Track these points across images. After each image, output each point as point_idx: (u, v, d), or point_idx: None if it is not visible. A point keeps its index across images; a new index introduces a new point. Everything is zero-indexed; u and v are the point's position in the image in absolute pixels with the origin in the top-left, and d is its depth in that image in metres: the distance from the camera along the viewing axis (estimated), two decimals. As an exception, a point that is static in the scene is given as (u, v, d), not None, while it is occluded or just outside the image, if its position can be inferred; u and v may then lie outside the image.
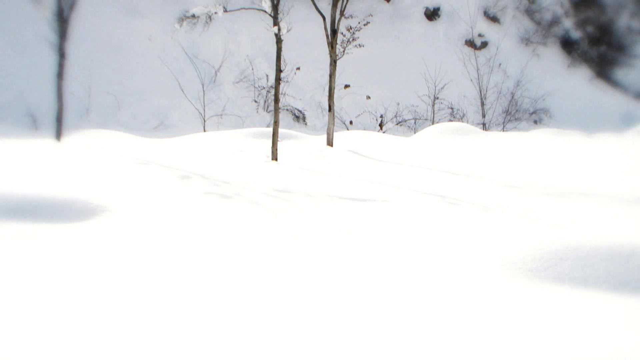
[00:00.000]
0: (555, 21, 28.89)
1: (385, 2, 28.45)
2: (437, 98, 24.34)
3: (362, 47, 18.43)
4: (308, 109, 24.53)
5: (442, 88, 24.26)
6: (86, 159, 9.12)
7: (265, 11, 12.62)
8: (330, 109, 14.83)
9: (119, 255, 5.03)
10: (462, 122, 22.85)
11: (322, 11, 14.40)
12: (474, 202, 8.20)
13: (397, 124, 24.35)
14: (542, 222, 7.01)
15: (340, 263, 5.09)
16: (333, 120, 14.80)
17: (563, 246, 4.90)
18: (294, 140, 15.26)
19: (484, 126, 24.31)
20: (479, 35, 27.78)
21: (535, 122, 25.67)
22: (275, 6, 12.39)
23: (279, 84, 12.59)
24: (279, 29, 12.36)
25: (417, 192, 8.81)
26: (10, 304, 3.83)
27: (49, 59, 12.38)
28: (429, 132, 17.12)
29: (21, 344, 3.28)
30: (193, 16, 13.33)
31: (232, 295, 4.22)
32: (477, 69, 25.38)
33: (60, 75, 11.37)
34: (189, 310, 3.88)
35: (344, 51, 15.55)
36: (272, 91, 18.75)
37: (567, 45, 28.69)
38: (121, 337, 3.43)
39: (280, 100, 14.74)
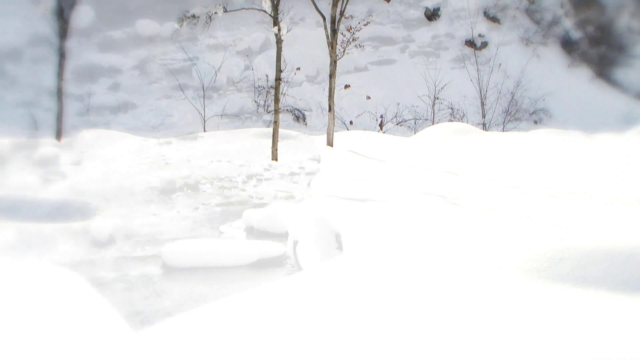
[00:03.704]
0: (555, 21, 28.90)
1: (385, 2, 28.46)
2: (437, 98, 24.34)
3: (362, 47, 18.42)
4: (308, 109, 24.53)
5: (442, 88, 24.25)
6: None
7: (265, 11, 12.63)
8: (330, 109, 14.83)
9: (119, 254, 5.03)
10: (462, 122, 22.83)
11: (322, 11, 14.39)
12: (474, 202, 8.20)
13: (397, 124, 24.35)
14: (542, 222, 7.01)
15: (340, 263, 5.09)
16: (333, 120, 14.81)
17: (563, 246, 4.89)
18: (293, 140, 15.26)
19: (484, 126, 24.30)
20: (479, 35, 27.78)
21: (535, 122, 25.67)
22: (275, 6, 12.40)
23: (279, 84, 12.60)
24: (279, 29, 12.37)
25: (418, 192, 8.80)
26: (9, 304, 3.83)
27: (49, 59, 12.39)
28: (429, 132, 17.11)
29: (21, 343, 3.28)
30: (193, 16, 13.35)
31: (228, 295, 4.22)
32: (477, 69, 25.37)
33: (60, 75, 11.39)
34: (187, 307, 3.87)
35: (344, 51, 15.55)
36: (272, 91, 18.75)
37: (567, 45, 28.69)
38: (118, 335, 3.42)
39: (281, 100, 14.73)
